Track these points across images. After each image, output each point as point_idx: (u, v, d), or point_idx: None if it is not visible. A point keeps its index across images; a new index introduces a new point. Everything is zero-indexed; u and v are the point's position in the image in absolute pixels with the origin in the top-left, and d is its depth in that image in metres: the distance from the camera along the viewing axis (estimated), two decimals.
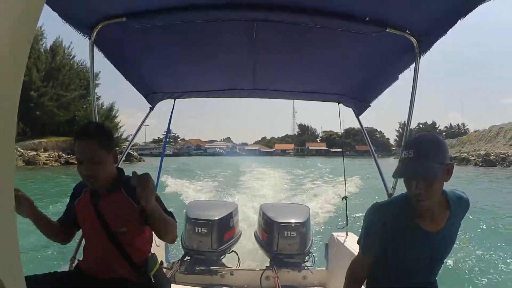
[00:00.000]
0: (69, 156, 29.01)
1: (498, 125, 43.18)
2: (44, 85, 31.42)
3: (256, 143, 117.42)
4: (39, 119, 30.66)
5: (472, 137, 45.80)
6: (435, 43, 1.81)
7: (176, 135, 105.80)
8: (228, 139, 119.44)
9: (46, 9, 1.42)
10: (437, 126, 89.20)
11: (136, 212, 1.30)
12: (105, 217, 1.41)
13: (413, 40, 1.81)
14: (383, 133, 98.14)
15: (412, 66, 2.00)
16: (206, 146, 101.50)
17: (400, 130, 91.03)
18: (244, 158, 58.07)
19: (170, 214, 1.43)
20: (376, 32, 1.73)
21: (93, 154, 1.35)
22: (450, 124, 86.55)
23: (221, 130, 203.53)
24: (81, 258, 1.58)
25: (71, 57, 36.06)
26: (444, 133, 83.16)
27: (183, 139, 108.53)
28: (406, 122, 2.15)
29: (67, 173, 20.24)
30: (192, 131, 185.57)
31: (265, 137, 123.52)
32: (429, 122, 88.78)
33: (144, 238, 1.48)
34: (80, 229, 1.55)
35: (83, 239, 1.57)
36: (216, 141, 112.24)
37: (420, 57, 1.90)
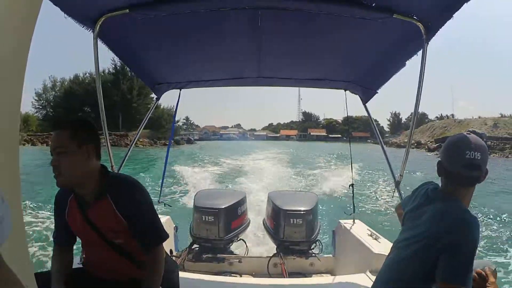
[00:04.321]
0: (148, 140, 47.16)
1: (432, 122, 58.33)
2: (138, 98, 51.80)
3: (263, 129, 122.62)
4: (135, 120, 49.08)
5: (418, 130, 59.54)
6: (441, 28, 1.78)
7: (192, 122, 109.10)
8: (238, 126, 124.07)
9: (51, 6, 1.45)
10: (426, 115, 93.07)
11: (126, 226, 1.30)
12: (98, 229, 1.33)
13: (420, 25, 1.76)
14: (378, 121, 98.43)
15: (420, 52, 1.96)
16: (221, 132, 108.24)
17: (391, 119, 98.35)
18: (255, 142, 68.72)
19: (158, 233, 1.37)
20: (382, 18, 1.69)
21: (59, 144, 1.24)
22: (441, 114, 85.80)
23: (230, 117, 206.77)
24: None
25: None
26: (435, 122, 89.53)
27: (197, 126, 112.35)
28: (414, 107, 2.10)
29: (148, 150, 32.62)
30: (204, 118, 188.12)
31: (272, 123, 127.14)
32: (421, 113, 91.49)
33: None
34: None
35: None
36: (228, 127, 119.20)
37: (427, 43, 1.87)
